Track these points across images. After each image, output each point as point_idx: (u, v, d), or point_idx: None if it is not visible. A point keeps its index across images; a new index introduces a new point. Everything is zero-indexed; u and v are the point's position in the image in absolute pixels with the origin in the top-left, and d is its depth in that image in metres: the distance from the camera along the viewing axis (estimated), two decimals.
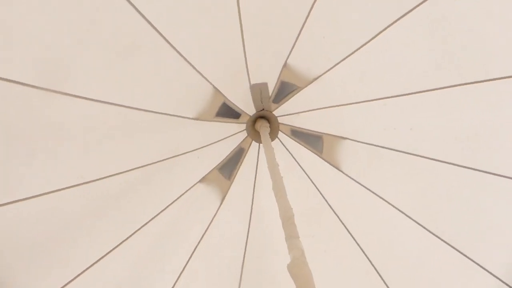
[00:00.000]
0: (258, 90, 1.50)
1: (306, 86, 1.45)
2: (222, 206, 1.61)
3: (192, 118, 1.43)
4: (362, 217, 1.62)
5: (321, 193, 1.59)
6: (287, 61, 1.39)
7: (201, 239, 1.59)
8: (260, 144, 1.63)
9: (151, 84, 1.31)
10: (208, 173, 1.58)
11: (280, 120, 1.60)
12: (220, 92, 1.42)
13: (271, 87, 1.50)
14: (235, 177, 1.62)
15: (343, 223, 1.58)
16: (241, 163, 1.62)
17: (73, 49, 1.14)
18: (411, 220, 1.52)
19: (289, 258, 0.94)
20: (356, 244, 1.58)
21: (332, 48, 1.34)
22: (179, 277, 1.56)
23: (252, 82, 1.44)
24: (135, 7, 1.10)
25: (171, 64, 1.27)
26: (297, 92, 1.49)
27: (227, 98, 1.46)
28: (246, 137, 1.62)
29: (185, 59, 1.26)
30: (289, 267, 0.91)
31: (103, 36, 1.15)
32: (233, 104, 1.50)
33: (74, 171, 1.30)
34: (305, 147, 1.60)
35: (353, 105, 1.45)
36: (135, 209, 1.47)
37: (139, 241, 1.48)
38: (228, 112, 1.52)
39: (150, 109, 1.34)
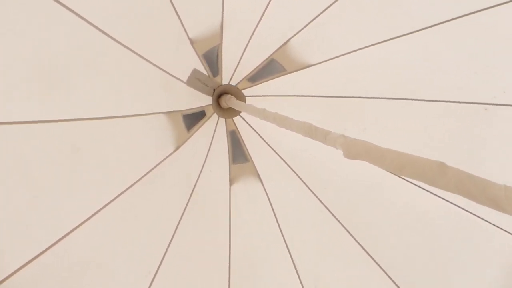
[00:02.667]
0: (195, 80, 1.49)
1: (294, 71, 1.50)
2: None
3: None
4: None
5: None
6: (290, 40, 1.45)
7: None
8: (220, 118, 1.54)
9: None
10: (173, 111, 1.38)
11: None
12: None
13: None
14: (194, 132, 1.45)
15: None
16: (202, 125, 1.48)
17: None
18: None
19: (341, 152, 0.86)
20: None
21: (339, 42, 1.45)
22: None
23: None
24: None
25: None
26: (281, 76, 1.51)
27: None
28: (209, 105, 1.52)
29: None
30: (347, 155, 0.83)
31: None
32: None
33: None
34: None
35: None
36: None
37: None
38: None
39: None
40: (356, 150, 0.82)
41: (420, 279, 1.40)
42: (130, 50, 1.22)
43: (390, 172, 0.74)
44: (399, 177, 1.28)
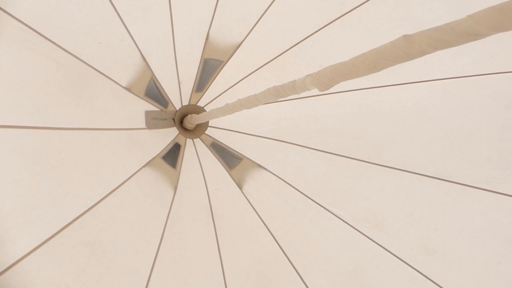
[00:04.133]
0: (152, 121, 1.48)
1: (229, 58, 1.50)
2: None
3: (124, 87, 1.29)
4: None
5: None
6: (209, 32, 1.45)
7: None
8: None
9: None
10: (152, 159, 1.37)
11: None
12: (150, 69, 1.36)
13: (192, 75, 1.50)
14: (180, 166, 1.43)
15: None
16: (183, 155, 1.47)
17: None
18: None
19: (315, 89, 0.87)
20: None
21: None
22: None
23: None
24: None
25: None
26: (221, 68, 1.51)
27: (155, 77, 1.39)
28: (178, 134, 1.51)
29: None
30: (323, 87, 0.84)
31: None
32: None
33: None
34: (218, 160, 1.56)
35: None
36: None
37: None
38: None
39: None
40: (327, 78, 0.82)
41: None
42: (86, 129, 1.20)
43: (368, 74, 0.73)
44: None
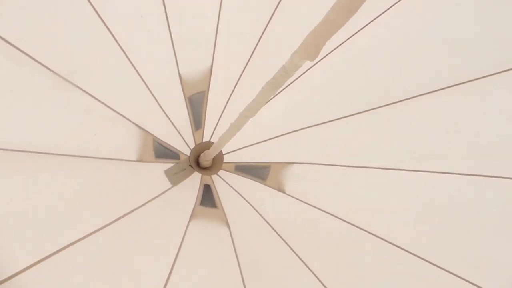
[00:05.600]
0: (171, 172, 1.48)
1: (208, 85, 1.50)
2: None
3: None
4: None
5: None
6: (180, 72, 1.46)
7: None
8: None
9: None
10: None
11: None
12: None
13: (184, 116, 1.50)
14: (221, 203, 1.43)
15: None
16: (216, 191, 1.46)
17: None
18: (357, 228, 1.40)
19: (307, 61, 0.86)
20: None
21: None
22: None
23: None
24: None
25: None
26: (206, 97, 1.51)
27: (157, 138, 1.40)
28: (202, 176, 1.50)
29: None
30: (311, 56, 0.84)
31: None
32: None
33: None
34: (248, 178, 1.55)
35: None
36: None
37: None
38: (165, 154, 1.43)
39: None
40: (312, 45, 0.82)
41: None
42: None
43: (349, 20, 0.72)
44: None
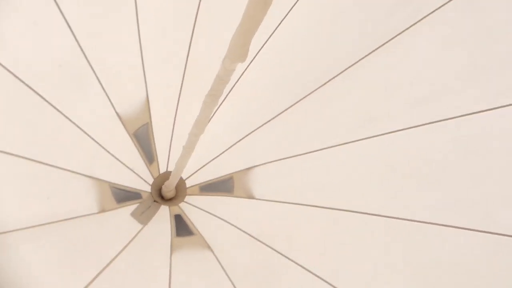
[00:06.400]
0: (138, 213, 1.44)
1: (150, 116, 1.48)
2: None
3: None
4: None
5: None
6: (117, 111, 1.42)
7: None
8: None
9: None
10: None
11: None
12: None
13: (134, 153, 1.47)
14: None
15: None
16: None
17: None
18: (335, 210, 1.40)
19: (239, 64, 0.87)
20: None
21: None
22: None
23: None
24: None
25: None
26: (151, 128, 1.49)
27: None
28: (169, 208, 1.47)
29: None
30: (240, 57, 0.84)
31: None
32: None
33: None
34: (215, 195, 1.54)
35: None
36: None
37: None
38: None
39: None
40: (239, 46, 0.83)
41: None
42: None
43: (267, 12, 0.74)
44: None
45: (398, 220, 1.25)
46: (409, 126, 1.27)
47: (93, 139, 1.33)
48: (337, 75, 1.37)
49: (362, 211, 1.30)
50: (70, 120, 1.29)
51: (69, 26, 1.23)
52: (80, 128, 1.33)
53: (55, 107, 1.25)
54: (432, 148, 1.31)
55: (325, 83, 1.38)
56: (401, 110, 1.32)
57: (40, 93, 1.22)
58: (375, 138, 1.32)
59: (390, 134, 1.32)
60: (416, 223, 1.23)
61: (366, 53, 1.31)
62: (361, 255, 1.31)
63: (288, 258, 1.37)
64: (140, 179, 1.46)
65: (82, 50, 1.29)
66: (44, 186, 1.24)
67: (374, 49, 1.30)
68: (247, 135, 1.49)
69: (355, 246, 1.34)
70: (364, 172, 1.37)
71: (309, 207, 1.39)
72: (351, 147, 1.36)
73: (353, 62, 1.34)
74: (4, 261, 1.07)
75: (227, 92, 1.43)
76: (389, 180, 1.33)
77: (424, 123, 1.25)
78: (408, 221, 1.24)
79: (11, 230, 1.10)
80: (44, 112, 1.24)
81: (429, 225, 1.22)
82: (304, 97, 1.42)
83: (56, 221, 1.21)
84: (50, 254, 1.19)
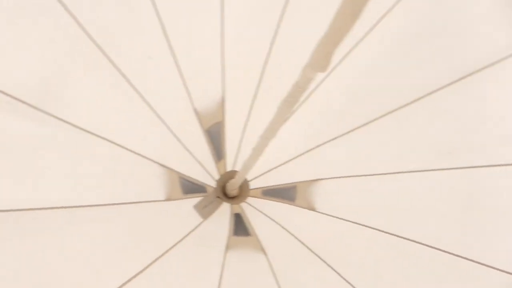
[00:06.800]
0: (201, 206, 1.49)
1: (223, 115, 1.52)
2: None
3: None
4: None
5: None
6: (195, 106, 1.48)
7: None
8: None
9: None
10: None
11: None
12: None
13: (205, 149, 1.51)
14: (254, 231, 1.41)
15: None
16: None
17: None
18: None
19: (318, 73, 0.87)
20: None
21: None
22: None
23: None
24: None
25: None
26: (223, 127, 1.52)
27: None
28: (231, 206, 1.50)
29: None
30: (322, 68, 0.84)
31: None
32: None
33: None
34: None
35: None
36: None
37: None
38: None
39: None
40: (322, 55, 0.82)
41: None
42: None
43: (355, 24, 0.72)
44: None
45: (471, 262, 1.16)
46: (492, 164, 1.17)
47: (170, 130, 1.39)
48: (421, 97, 1.31)
49: (429, 245, 1.22)
50: (153, 110, 1.36)
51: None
52: (160, 118, 1.39)
53: (141, 95, 1.33)
54: None
55: (406, 105, 1.32)
56: (486, 145, 1.22)
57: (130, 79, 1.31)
58: (452, 170, 1.24)
59: (471, 168, 1.23)
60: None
61: (456, 79, 1.24)
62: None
63: (340, 276, 1.33)
64: (207, 174, 1.50)
65: (169, 43, 1.35)
66: (119, 168, 1.32)
67: (465, 75, 1.22)
68: (316, 147, 1.47)
69: (416, 278, 1.27)
70: (436, 204, 1.29)
71: (370, 229, 1.33)
72: (425, 176, 1.29)
73: (439, 87, 1.26)
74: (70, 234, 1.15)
75: (302, 101, 1.42)
76: (463, 217, 1.23)
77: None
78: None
79: (82, 205, 1.19)
80: (131, 99, 1.32)
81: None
82: (382, 116, 1.37)
83: (124, 203, 1.27)
84: (114, 233, 1.26)
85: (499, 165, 1.26)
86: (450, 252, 1.25)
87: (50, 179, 1.19)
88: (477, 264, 1.22)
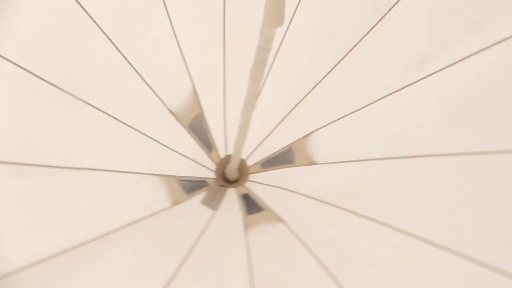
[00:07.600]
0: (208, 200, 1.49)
1: (200, 106, 1.50)
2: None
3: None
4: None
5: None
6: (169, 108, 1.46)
7: None
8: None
9: None
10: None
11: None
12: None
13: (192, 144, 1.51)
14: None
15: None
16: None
17: None
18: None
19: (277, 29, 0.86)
20: None
21: None
22: None
23: None
24: None
25: None
26: (204, 117, 1.52)
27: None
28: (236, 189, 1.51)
29: None
30: (277, 22, 0.83)
31: None
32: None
33: None
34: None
35: None
36: None
37: None
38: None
39: None
40: (274, 10, 0.81)
41: None
42: None
43: None
44: None
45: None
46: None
47: (153, 139, 1.38)
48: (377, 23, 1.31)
49: (433, 154, 1.24)
50: (127, 125, 1.34)
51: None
52: (138, 131, 1.38)
53: (110, 115, 1.31)
54: None
55: (367, 34, 1.33)
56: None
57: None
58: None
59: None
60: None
61: None
62: (439, 199, 1.25)
63: (362, 216, 1.34)
64: (203, 168, 1.50)
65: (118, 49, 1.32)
66: (115, 192, 1.31)
67: None
68: (298, 102, 1.47)
69: (430, 192, 1.29)
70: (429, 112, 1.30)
71: (375, 161, 1.35)
72: (409, 90, 1.30)
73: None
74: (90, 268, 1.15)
75: (270, 64, 1.42)
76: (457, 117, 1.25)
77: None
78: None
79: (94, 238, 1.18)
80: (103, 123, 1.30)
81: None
82: (348, 52, 1.38)
83: (134, 222, 1.27)
84: (135, 252, 1.26)
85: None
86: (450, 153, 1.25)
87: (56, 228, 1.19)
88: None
